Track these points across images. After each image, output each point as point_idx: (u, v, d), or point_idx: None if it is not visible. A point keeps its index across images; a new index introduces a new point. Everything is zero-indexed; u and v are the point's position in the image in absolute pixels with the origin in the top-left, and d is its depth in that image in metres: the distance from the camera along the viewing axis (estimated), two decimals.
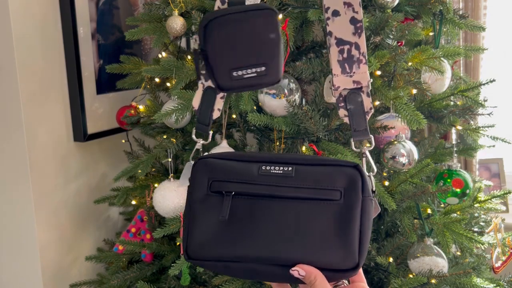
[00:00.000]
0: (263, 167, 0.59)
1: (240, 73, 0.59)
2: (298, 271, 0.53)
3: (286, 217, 0.56)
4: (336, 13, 0.59)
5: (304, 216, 0.56)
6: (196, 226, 0.58)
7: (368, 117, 0.61)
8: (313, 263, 0.54)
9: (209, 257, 0.57)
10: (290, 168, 0.58)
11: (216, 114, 0.68)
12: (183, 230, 0.60)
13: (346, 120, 0.62)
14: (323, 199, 0.57)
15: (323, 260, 0.54)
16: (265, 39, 0.58)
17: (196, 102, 0.67)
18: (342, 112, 0.62)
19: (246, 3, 0.60)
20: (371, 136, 0.62)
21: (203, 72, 0.61)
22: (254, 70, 0.59)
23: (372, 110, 0.62)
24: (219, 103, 0.66)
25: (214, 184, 0.59)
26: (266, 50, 0.59)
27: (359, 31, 0.59)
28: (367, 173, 0.59)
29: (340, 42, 0.59)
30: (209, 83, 0.64)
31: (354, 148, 0.62)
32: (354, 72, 0.60)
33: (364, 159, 0.62)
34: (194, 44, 0.63)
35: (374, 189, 0.59)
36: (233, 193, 0.58)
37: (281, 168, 0.59)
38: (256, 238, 0.56)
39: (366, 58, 0.60)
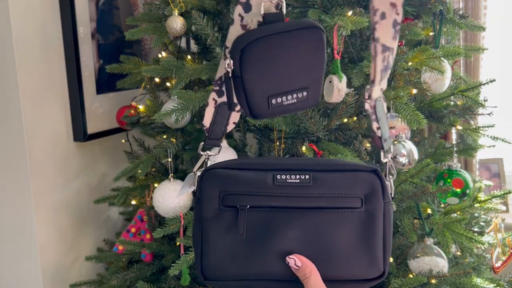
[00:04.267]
0: (278, 177, 0.55)
1: (279, 100, 0.52)
2: (295, 260, 0.52)
3: (306, 230, 0.53)
4: (383, 16, 0.52)
5: (325, 227, 0.53)
6: (210, 245, 0.54)
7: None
8: (339, 276, 0.53)
9: (227, 277, 0.54)
10: (307, 177, 0.55)
11: (230, 127, 0.61)
12: (195, 249, 0.56)
13: (378, 133, 0.57)
14: (344, 207, 0.54)
15: (349, 272, 0.53)
16: (310, 61, 0.52)
17: (207, 120, 0.59)
18: (375, 125, 0.57)
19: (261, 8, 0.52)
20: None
21: (235, 101, 0.54)
22: (295, 96, 0.52)
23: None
24: (235, 117, 0.60)
25: (226, 198, 0.55)
26: (310, 73, 0.52)
27: (397, 35, 0.53)
28: (386, 178, 0.56)
29: (384, 49, 0.53)
30: (223, 99, 0.58)
31: (383, 160, 0.58)
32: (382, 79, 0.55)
33: (387, 164, 0.58)
34: (227, 67, 0.51)
35: (393, 194, 0.57)
36: (248, 206, 0.54)
37: (298, 176, 0.55)
38: (276, 254, 0.53)
39: (393, 53, 0.55)
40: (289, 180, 0.55)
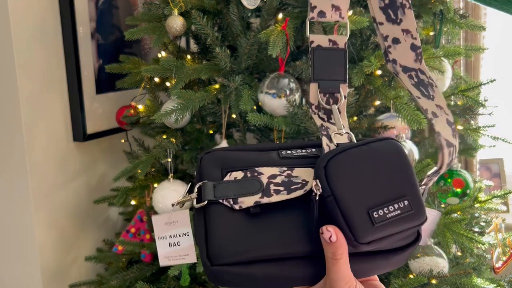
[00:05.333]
0: (283, 152, 0.52)
1: (381, 212, 0.46)
2: (331, 234, 0.46)
3: None
4: (396, 41, 0.53)
5: None
6: (216, 227, 0.50)
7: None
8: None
9: (236, 260, 0.48)
10: (313, 150, 0.52)
11: None
12: (199, 239, 0.51)
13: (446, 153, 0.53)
14: None
15: None
16: (396, 169, 0.48)
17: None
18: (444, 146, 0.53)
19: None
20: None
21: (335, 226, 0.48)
22: (396, 206, 0.47)
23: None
24: None
25: (231, 171, 0.51)
26: (401, 180, 0.48)
27: (420, 57, 0.53)
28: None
29: (405, 69, 0.53)
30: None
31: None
32: (433, 96, 0.53)
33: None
34: (315, 189, 0.46)
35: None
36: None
37: (304, 150, 0.52)
38: (287, 233, 0.49)
39: (434, 81, 0.53)
40: (296, 154, 0.52)
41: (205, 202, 0.49)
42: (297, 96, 1.13)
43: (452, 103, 1.39)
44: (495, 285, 1.19)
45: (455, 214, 1.25)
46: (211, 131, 1.35)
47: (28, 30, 1.31)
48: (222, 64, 1.11)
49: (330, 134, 0.51)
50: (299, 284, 0.50)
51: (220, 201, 0.49)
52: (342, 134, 0.51)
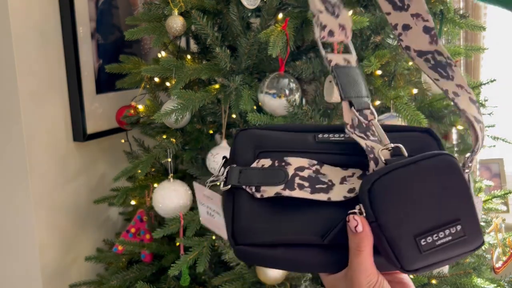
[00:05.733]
0: (320, 135, 0.50)
1: (430, 239, 0.43)
2: (358, 223, 0.45)
3: None
4: (406, 27, 0.50)
5: None
6: (244, 207, 0.49)
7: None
8: None
9: (260, 241, 0.48)
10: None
11: None
12: (225, 217, 0.50)
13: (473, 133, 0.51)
14: None
15: None
16: (450, 188, 0.45)
17: None
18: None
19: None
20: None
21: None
22: (447, 232, 0.44)
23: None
24: None
25: (262, 156, 0.50)
26: (455, 201, 0.45)
27: (435, 38, 0.50)
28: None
29: (420, 53, 0.51)
30: None
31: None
32: (452, 76, 0.51)
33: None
34: (359, 213, 0.45)
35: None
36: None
37: (342, 135, 0.50)
38: (312, 221, 0.48)
39: (453, 61, 0.51)
40: (332, 138, 0.50)
41: (229, 187, 0.49)
42: (297, 96, 1.13)
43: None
44: (495, 285, 1.19)
45: None
46: (211, 131, 1.35)
47: (28, 30, 1.31)
48: (222, 64, 1.11)
49: (377, 156, 0.47)
50: (320, 270, 0.50)
51: (244, 187, 0.49)
52: (390, 149, 0.48)
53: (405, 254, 0.43)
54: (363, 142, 0.48)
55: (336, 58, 0.50)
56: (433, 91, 1.25)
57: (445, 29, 1.33)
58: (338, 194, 0.48)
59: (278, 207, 0.49)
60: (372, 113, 0.49)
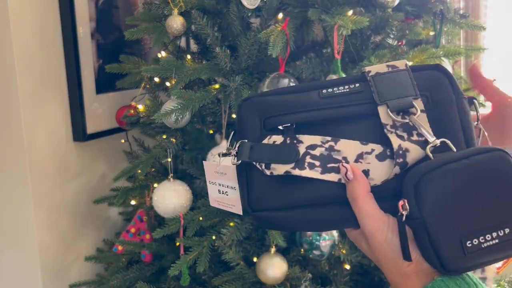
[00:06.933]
0: (324, 91, 0.49)
1: (475, 241, 0.41)
2: (347, 170, 0.45)
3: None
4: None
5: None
6: (255, 180, 0.50)
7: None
8: None
9: (273, 206, 0.49)
10: (357, 85, 0.49)
11: None
12: (241, 187, 0.51)
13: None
14: None
15: None
16: (502, 189, 0.42)
17: None
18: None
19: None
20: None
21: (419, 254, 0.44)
22: (495, 235, 0.41)
23: None
24: None
25: (268, 122, 0.50)
26: (507, 202, 0.42)
27: None
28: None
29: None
30: None
31: None
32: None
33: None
34: (402, 209, 0.43)
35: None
36: (294, 125, 0.49)
37: (346, 86, 0.49)
38: (325, 186, 0.48)
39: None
40: (337, 91, 0.49)
41: (239, 162, 0.50)
42: None
43: None
44: (495, 285, 1.19)
45: None
46: (211, 131, 1.35)
47: (28, 30, 1.31)
48: (222, 64, 1.11)
49: (408, 161, 0.45)
50: (343, 225, 0.50)
51: (254, 163, 0.49)
52: (437, 145, 0.45)
53: (448, 255, 0.41)
54: (396, 144, 0.46)
55: (377, 68, 0.50)
56: None
57: (445, 29, 1.32)
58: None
59: (291, 179, 0.49)
60: (415, 110, 0.47)
